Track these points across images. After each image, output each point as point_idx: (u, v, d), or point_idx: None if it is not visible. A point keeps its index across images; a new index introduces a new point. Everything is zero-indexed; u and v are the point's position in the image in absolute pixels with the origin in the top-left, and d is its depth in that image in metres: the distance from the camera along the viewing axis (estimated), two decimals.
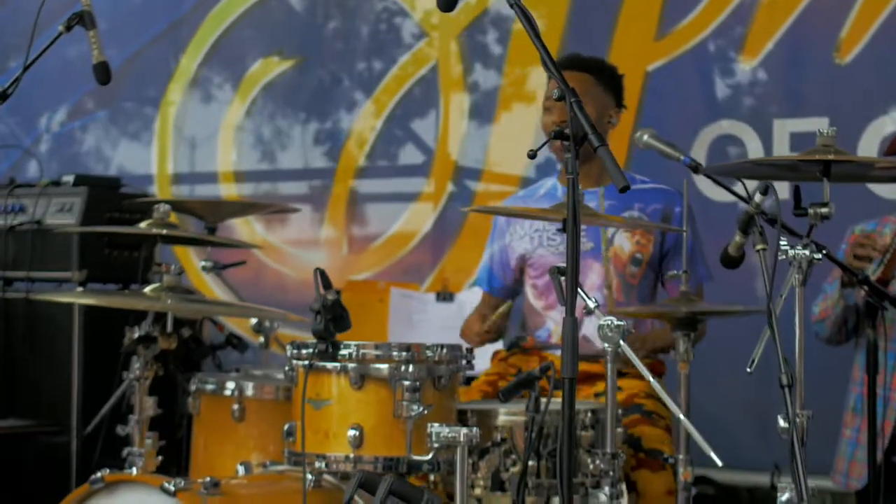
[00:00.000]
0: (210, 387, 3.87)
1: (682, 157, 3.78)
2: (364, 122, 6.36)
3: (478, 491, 3.38)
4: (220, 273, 4.50)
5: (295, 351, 3.34)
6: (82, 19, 3.43)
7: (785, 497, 3.00)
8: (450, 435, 3.01)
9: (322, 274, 3.29)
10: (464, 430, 3.00)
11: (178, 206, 4.55)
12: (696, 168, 3.76)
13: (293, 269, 6.44)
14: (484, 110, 6.05)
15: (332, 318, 3.26)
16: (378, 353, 3.27)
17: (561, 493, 2.63)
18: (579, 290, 3.32)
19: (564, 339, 2.66)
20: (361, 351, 3.25)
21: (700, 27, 5.54)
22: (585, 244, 4.09)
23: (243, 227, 6.48)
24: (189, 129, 6.86)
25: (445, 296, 5.13)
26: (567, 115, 4.04)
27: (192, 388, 3.92)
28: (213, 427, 3.89)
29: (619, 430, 3.41)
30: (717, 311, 3.60)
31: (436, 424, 3.04)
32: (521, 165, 5.82)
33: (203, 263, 4.48)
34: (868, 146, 5.13)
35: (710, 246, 4.07)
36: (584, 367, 3.35)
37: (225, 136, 6.72)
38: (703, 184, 4.84)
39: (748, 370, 3.14)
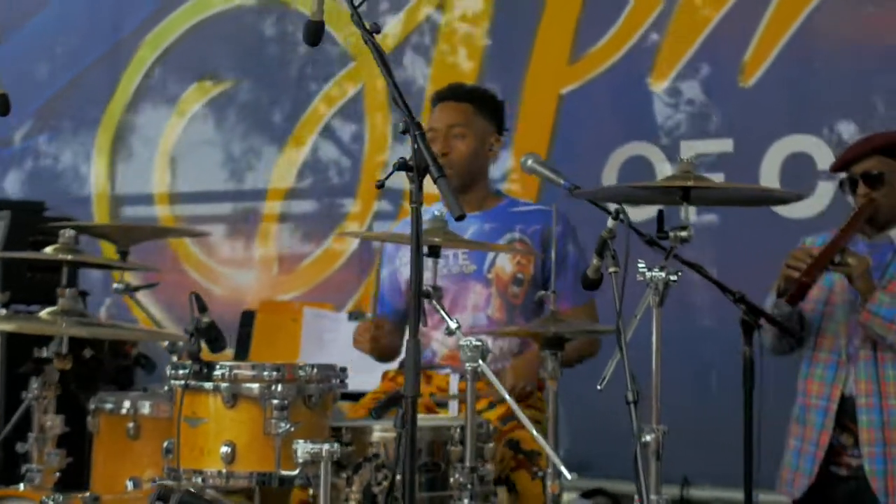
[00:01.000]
0: (108, 406, 3.98)
1: (562, 182, 3.92)
2: (295, 143, 6.51)
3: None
4: (133, 295, 4.64)
5: (173, 371, 3.48)
6: None
7: None
8: (313, 450, 3.16)
9: (197, 298, 3.43)
10: (325, 446, 3.15)
11: (91, 230, 4.69)
12: (572, 191, 3.91)
13: (225, 288, 6.59)
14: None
15: (207, 340, 3.40)
16: (250, 373, 3.41)
17: None
18: (442, 311, 3.50)
19: (407, 360, 2.80)
20: (234, 371, 3.40)
21: (612, 51, 5.71)
22: (468, 266, 4.27)
23: (178, 249, 6.64)
24: (127, 151, 7.01)
25: (357, 315, 5.28)
26: (448, 147, 4.27)
27: (92, 407, 4.05)
28: (110, 444, 4.00)
29: (490, 445, 3.58)
30: (572, 331, 3.70)
31: (300, 441, 3.19)
32: None
33: (115, 286, 4.62)
34: (770, 167, 5.31)
35: None
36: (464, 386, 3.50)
37: (161, 159, 6.87)
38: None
39: (598, 387, 3.30)
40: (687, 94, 5.58)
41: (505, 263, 4.26)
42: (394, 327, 4.35)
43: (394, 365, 4.40)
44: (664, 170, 5.46)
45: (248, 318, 5.44)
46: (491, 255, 4.29)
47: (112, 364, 4.66)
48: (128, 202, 6.96)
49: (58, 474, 3.86)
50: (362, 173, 6.32)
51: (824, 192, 5.12)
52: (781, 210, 5.16)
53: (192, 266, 6.57)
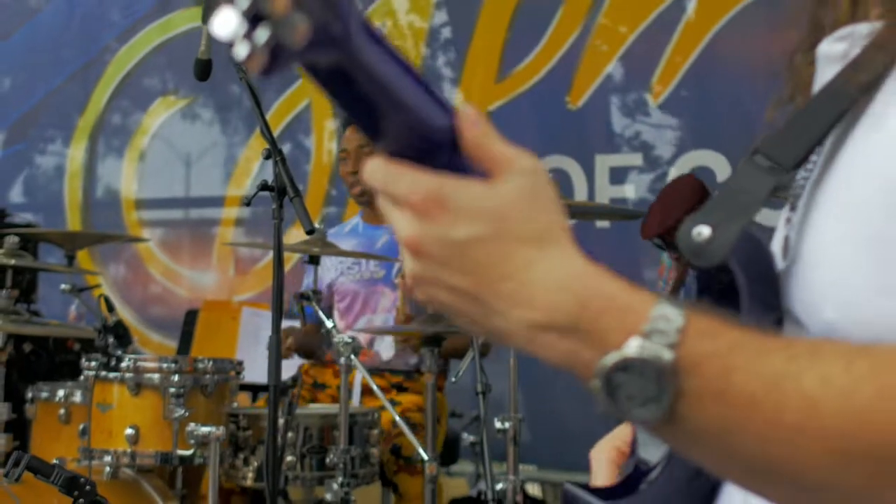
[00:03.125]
0: (44, 394, 4.42)
1: None
2: (252, 151, 6.95)
3: (249, 482, 3.97)
4: (79, 295, 5.08)
5: (86, 363, 3.93)
6: None
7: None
8: (203, 433, 3.63)
9: (106, 299, 3.89)
10: (213, 429, 3.62)
11: (40, 236, 5.13)
12: None
13: (187, 289, 7.04)
14: None
15: (115, 336, 3.86)
16: (152, 364, 3.87)
17: (267, 483, 3.25)
18: (319, 312, 3.95)
19: (270, 352, 3.26)
20: (138, 363, 3.85)
21: (534, 71, 6.13)
22: (378, 272, 4.72)
23: (144, 252, 7.10)
24: (99, 160, 7.47)
25: (292, 314, 5.69)
26: (359, 166, 4.70)
27: (29, 395, 4.49)
28: (46, 429, 4.43)
29: (375, 431, 4.03)
30: (447, 331, 4.11)
31: (193, 424, 3.66)
32: None
33: (63, 287, 5.07)
34: None
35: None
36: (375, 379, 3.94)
37: (128, 168, 7.33)
38: None
39: (453, 380, 3.74)
40: (600, 111, 5.99)
41: None
42: (313, 328, 4.79)
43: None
44: (581, 181, 5.89)
45: (191, 316, 5.85)
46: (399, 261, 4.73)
47: (56, 357, 5.09)
48: (101, 207, 7.41)
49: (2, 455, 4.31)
50: (310, 181, 6.76)
51: None
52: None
53: (156, 268, 7.03)
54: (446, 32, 6.58)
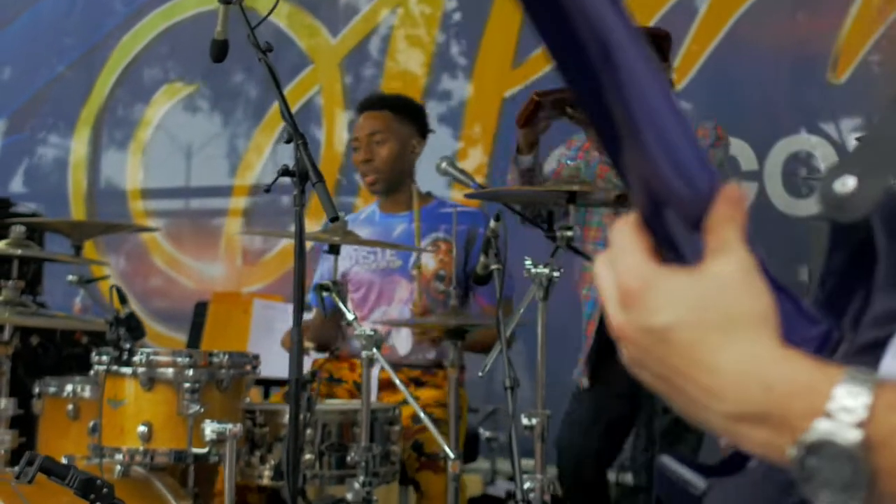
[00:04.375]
0: (51, 389, 4.28)
1: (471, 184, 4.22)
2: (259, 140, 6.81)
3: (265, 481, 3.83)
4: (86, 286, 4.94)
5: (97, 357, 3.78)
6: None
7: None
8: (219, 430, 3.48)
9: (118, 290, 3.74)
10: (230, 426, 3.47)
11: (47, 226, 4.99)
12: (476, 195, 4.22)
13: (194, 280, 6.90)
14: None
15: (127, 329, 3.71)
16: (166, 358, 3.72)
17: (287, 480, 3.11)
18: (340, 304, 3.80)
19: (292, 347, 3.11)
20: (151, 357, 3.70)
21: None
22: (394, 262, 4.57)
23: (150, 242, 6.96)
24: (102, 149, 7.33)
25: (306, 306, 5.56)
26: (371, 153, 4.55)
27: (37, 390, 4.35)
28: (53, 425, 4.30)
29: (396, 427, 3.89)
30: (469, 323, 3.96)
31: (208, 421, 3.51)
32: None
33: (70, 278, 4.92)
34: None
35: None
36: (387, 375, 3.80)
37: (132, 159, 7.19)
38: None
39: (480, 374, 3.60)
40: None
41: (429, 260, 4.56)
42: (328, 320, 4.64)
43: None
44: None
45: (201, 308, 5.71)
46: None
47: (64, 351, 4.96)
48: (104, 198, 7.27)
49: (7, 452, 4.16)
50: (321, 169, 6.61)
51: None
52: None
53: (161, 259, 6.89)
54: (457, 17, 6.43)
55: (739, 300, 0.94)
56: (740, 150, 5.41)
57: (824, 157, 5.30)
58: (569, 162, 4.61)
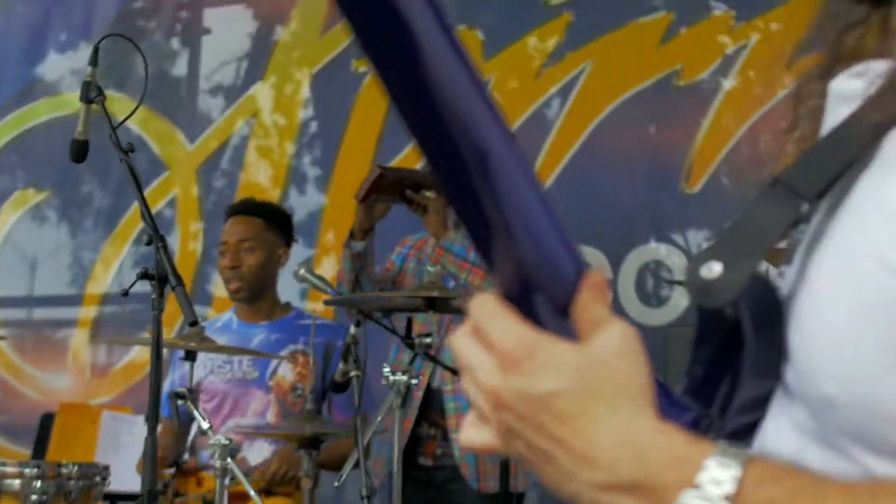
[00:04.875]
0: None
1: (329, 291, 4.19)
2: (108, 252, 6.68)
3: None
4: None
5: None
6: None
7: None
8: None
9: None
10: None
11: None
12: (334, 302, 4.19)
13: (39, 392, 6.70)
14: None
15: None
16: (12, 469, 3.60)
17: None
18: (196, 412, 3.73)
19: (145, 455, 3.03)
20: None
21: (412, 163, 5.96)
22: (251, 373, 4.50)
23: None
24: None
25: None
26: (238, 260, 4.50)
27: None
28: None
29: None
30: (325, 432, 3.92)
31: None
32: None
33: None
34: None
35: None
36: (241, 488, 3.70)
37: None
38: None
39: (335, 485, 3.54)
40: None
41: (286, 372, 4.49)
42: (174, 431, 4.52)
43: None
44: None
45: (47, 420, 5.55)
46: (274, 363, 4.51)
47: None
48: None
49: None
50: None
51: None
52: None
53: (5, 369, 6.69)
54: (314, 127, 6.45)
55: (622, 372, 0.94)
56: (594, 258, 5.46)
57: (676, 266, 5.40)
58: (395, 259, 4.57)
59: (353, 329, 3.68)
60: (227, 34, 6.71)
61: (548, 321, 0.95)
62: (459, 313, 4.05)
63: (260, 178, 6.43)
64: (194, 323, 3.03)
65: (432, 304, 3.76)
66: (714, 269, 0.97)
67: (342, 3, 0.87)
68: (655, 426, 0.93)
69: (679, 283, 4.95)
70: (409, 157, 5.99)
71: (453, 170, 0.92)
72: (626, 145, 5.56)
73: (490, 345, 0.96)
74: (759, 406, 1.03)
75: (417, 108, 0.90)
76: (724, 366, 1.04)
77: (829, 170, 0.99)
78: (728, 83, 5.49)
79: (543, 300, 0.95)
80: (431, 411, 4.26)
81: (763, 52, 5.39)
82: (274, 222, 4.63)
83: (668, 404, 0.99)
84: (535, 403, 0.93)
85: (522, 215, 0.93)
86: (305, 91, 6.44)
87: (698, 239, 5.44)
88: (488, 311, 0.96)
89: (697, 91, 5.53)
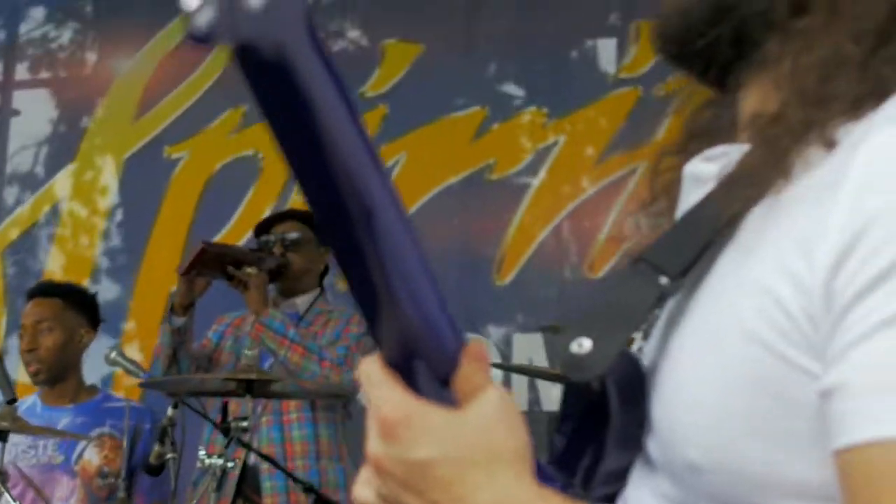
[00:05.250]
0: None
1: (140, 374, 4.13)
2: None
3: None
4: None
5: None
6: None
7: None
8: None
9: None
10: None
11: None
12: (148, 384, 4.13)
13: None
14: None
15: None
16: None
17: None
18: (7, 494, 3.62)
19: None
20: None
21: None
22: (56, 457, 4.39)
23: None
24: None
25: None
26: (36, 343, 4.40)
27: None
28: None
29: None
30: None
31: None
32: None
33: None
34: None
35: None
36: None
37: None
38: None
39: None
40: None
41: (92, 456, 4.39)
42: None
43: None
44: None
45: None
46: (80, 446, 4.41)
47: None
48: None
49: None
50: None
51: None
52: None
53: None
54: (119, 216, 6.34)
55: (499, 438, 0.95)
56: None
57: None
58: (212, 336, 4.52)
59: (170, 411, 3.64)
60: (33, 117, 6.57)
61: (428, 389, 0.96)
62: (278, 397, 4.04)
63: (62, 266, 6.27)
64: (13, 401, 2.96)
65: (250, 388, 3.74)
66: (584, 344, 1.00)
67: (245, 70, 0.87)
68: (535, 491, 0.95)
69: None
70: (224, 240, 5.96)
71: (341, 228, 0.92)
72: (438, 237, 5.63)
73: (373, 411, 0.97)
74: (623, 476, 1.06)
75: (310, 163, 0.90)
76: (587, 438, 1.07)
77: (690, 250, 1.03)
78: (537, 179, 5.60)
79: (425, 368, 0.96)
80: (248, 488, 4.20)
81: (571, 151, 5.53)
82: (73, 302, 4.56)
83: (535, 473, 1.00)
84: (414, 470, 0.94)
85: (406, 279, 0.94)
86: (110, 178, 6.33)
87: (513, 329, 5.52)
88: (371, 378, 0.97)
89: (509, 185, 5.64)
